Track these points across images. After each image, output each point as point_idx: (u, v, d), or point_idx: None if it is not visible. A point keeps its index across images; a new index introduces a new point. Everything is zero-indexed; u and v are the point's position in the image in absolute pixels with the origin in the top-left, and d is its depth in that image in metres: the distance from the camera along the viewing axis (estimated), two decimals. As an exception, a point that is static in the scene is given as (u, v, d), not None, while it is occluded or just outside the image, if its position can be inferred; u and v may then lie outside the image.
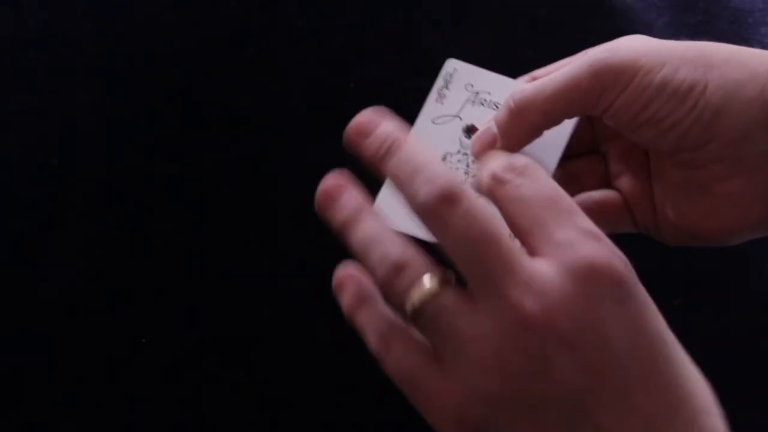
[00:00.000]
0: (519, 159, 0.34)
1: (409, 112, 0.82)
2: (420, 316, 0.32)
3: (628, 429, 0.29)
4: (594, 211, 0.41)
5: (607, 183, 0.44)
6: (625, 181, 0.43)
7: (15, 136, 0.75)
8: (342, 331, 0.70)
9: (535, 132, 0.40)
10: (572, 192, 0.42)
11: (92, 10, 0.80)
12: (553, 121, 0.40)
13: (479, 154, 0.41)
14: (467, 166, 0.43)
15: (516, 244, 0.32)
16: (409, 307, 0.32)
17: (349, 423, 0.66)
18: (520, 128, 0.40)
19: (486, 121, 0.42)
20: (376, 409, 0.66)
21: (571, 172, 0.44)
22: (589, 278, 0.30)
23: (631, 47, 0.39)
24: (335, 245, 0.73)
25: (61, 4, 0.80)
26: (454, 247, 0.32)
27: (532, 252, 0.32)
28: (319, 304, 0.73)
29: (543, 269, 0.31)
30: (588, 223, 0.32)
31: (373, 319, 0.34)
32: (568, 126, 0.42)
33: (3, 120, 0.76)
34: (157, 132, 0.76)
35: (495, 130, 0.41)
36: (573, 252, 0.31)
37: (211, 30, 0.80)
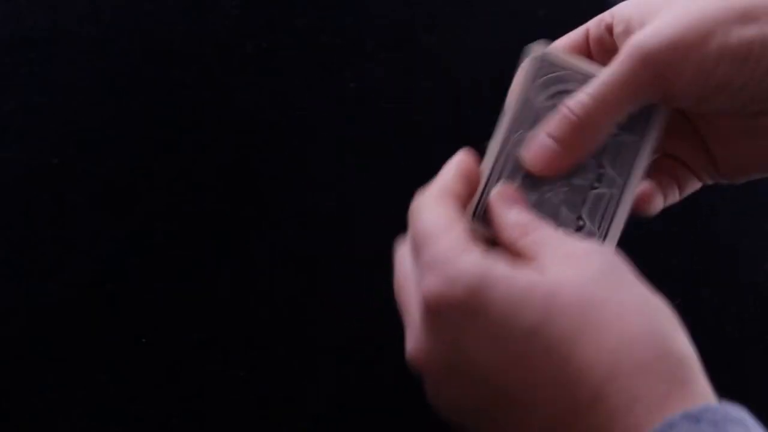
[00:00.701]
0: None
1: (408, 112, 0.82)
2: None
3: None
4: (653, 186, 0.41)
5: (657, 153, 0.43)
6: (677, 147, 0.43)
7: (15, 136, 0.75)
8: (342, 332, 0.70)
9: (601, 140, 0.39)
10: None
11: (92, 10, 0.80)
12: (617, 122, 0.39)
13: (540, 170, 0.39)
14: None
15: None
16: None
17: (350, 423, 0.66)
18: (585, 140, 0.39)
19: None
20: (376, 409, 0.66)
21: None
22: (432, 314, 0.33)
23: (672, 23, 0.37)
24: (335, 245, 0.74)
25: (61, 4, 0.80)
26: None
27: None
28: (320, 305, 0.73)
29: (413, 317, 0.35)
30: (433, 251, 0.35)
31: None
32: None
33: (3, 120, 0.76)
34: (156, 132, 0.76)
35: (551, 143, 0.39)
36: (419, 291, 0.34)
37: (211, 30, 0.80)
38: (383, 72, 0.78)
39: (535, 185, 0.39)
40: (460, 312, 0.32)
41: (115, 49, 0.79)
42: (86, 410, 0.66)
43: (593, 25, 0.43)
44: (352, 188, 0.73)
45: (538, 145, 0.39)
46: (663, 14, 0.37)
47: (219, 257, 0.71)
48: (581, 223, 0.38)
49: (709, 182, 0.43)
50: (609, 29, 0.41)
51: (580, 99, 0.38)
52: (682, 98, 0.38)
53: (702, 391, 0.31)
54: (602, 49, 0.42)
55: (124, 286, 0.70)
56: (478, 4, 0.82)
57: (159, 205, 0.73)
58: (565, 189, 0.39)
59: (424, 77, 0.78)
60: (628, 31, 0.39)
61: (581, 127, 0.38)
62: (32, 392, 0.66)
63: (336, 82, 0.78)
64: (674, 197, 0.44)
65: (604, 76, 0.38)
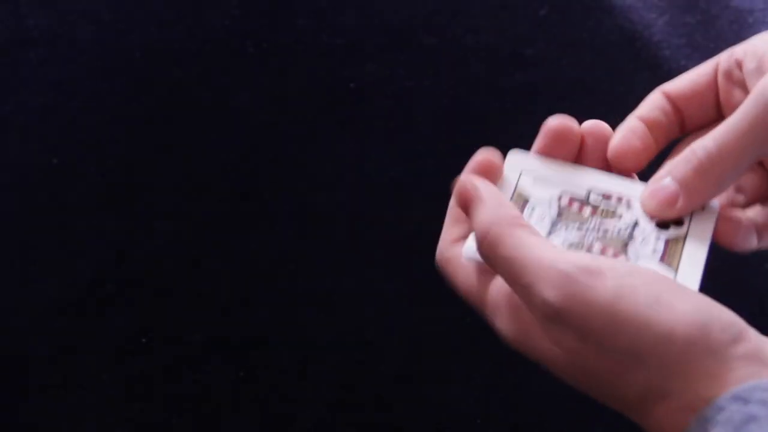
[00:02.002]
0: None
1: (408, 113, 0.83)
2: None
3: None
4: (739, 219, 0.40)
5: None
6: None
7: (15, 136, 0.75)
8: (342, 332, 0.70)
9: (724, 187, 0.39)
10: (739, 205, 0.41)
11: (92, 10, 0.80)
12: (742, 169, 0.38)
13: (657, 212, 0.39)
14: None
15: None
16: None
17: (350, 423, 0.66)
18: (708, 185, 0.38)
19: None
20: (376, 409, 0.66)
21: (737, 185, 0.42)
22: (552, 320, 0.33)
23: None
24: (335, 245, 0.74)
25: (61, 4, 0.80)
26: None
27: None
28: (320, 305, 0.73)
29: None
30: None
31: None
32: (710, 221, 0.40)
33: (3, 120, 0.76)
34: (157, 131, 0.76)
35: (674, 185, 0.38)
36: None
37: (211, 30, 0.80)
38: (383, 72, 0.78)
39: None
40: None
41: (115, 49, 0.79)
42: (87, 410, 0.66)
43: (723, 59, 0.41)
44: (352, 188, 0.73)
45: (660, 186, 0.38)
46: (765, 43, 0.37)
47: (219, 257, 0.71)
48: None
49: None
50: (739, 64, 0.40)
51: (705, 144, 0.38)
52: None
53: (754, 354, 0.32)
54: (731, 83, 0.41)
55: (124, 286, 0.70)
56: (478, 4, 0.82)
57: (159, 205, 0.73)
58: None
59: (424, 77, 0.78)
60: (761, 70, 0.38)
61: (705, 171, 0.38)
62: (33, 392, 0.66)
63: (336, 82, 0.78)
64: None
65: (729, 122, 0.37)
